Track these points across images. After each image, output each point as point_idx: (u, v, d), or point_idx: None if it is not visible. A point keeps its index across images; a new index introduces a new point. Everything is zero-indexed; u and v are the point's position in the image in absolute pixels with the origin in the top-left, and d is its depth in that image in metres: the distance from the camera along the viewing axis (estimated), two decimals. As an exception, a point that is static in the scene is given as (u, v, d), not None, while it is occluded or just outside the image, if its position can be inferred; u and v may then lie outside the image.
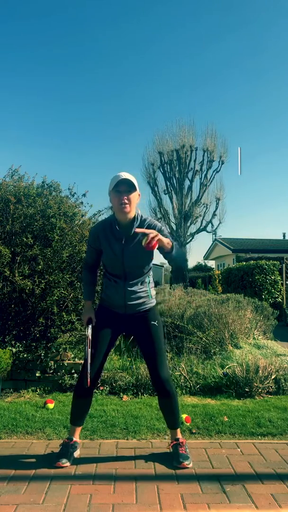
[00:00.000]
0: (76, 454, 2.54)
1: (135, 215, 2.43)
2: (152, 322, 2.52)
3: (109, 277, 2.53)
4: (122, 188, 2.34)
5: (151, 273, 2.59)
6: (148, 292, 2.54)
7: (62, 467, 2.42)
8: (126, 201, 2.34)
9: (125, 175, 2.36)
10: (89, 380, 2.43)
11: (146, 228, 2.40)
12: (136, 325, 2.54)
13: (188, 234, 20.92)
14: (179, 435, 2.62)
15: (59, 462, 2.43)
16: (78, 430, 2.62)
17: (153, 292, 2.59)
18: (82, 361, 4.09)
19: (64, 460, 2.44)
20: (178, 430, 2.63)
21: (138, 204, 2.46)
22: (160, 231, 2.41)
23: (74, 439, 2.57)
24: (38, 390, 3.87)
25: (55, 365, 4.01)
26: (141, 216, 2.47)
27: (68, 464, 2.44)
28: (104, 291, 2.60)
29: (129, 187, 2.35)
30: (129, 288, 2.47)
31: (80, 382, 2.55)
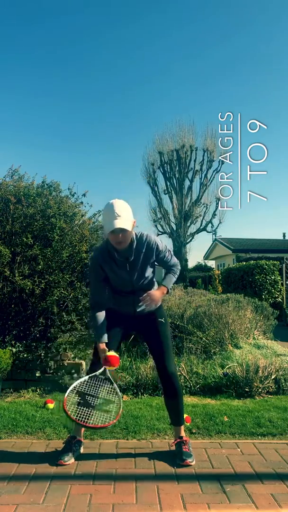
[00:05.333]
0: (80, 451, 2.57)
1: (131, 238, 2.42)
2: (159, 319, 2.59)
3: (117, 291, 2.57)
4: (116, 230, 2.31)
5: (155, 280, 2.65)
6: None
7: (63, 465, 2.42)
8: (121, 239, 2.34)
9: (117, 220, 2.27)
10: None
11: (145, 250, 2.45)
12: (144, 323, 2.61)
13: (188, 234, 20.93)
14: (183, 433, 2.64)
15: (61, 460, 2.44)
16: (82, 428, 2.63)
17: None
18: (82, 361, 4.09)
19: (66, 458, 2.45)
20: (182, 427, 2.65)
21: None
22: (157, 250, 2.49)
23: (78, 437, 2.59)
24: (38, 390, 3.87)
25: (55, 365, 4.01)
26: (137, 237, 2.45)
27: (71, 461, 2.46)
28: (110, 298, 2.60)
29: (122, 230, 2.31)
30: (137, 299, 2.53)
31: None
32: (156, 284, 2.68)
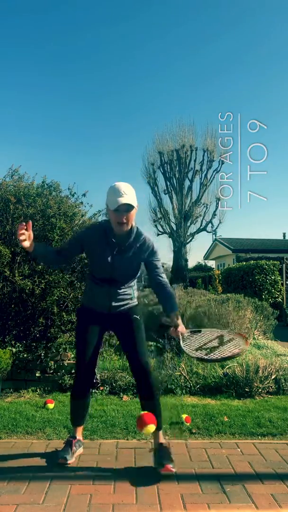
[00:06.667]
0: (80, 451, 2.57)
1: (131, 226, 2.38)
2: (134, 316, 2.50)
3: (94, 280, 2.50)
4: (122, 208, 2.26)
5: (135, 282, 2.57)
6: (132, 295, 2.53)
7: (64, 465, 2.42)
8: (124, 220, 2.29)
9: (124, 195, 2.25)
10: None
11: (139, 245, 2.40)
12: (119, 321, 2.51)
13: (188, 234, 20.91)
14: (162, 439, 2.47)
15: (61, 459, 2.44)
16: (80, 429, 2.64)
17: (136, 293, 2.58)
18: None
19: (67, 457, 2.45)
20: (161, 433, 2.47)
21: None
22: (152, 253, 2.44)
23: (78, 437, 2.59)
24: (38, 390, 3.87)
25: (55, 365, 4.01)
26: (137, 229, 2.42)
27: (71, 461, 2.46)
28: (87, 292, 2.59)
29: (128, 206, 2.28)
30: (114, 291, 2.45)
31: (75, 384, 2.56)
32: (135, 282, 2.56)
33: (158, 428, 2.42)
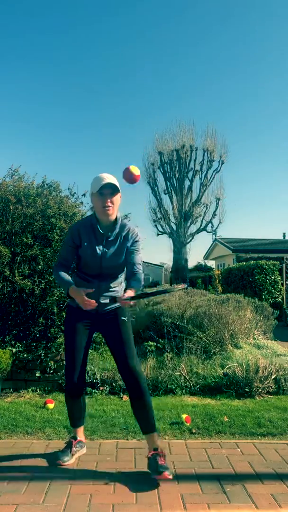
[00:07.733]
0: (81, 452, 2.57)
1: (116, 217, 2.45)
2: (122, 318, 2.48)
3: (82, 276, 2.49)
4: (106, 191, 2.35)
5: (123, 273, 2.55)
6: (120, 291, 2.50)
7: (63, 466, 2.42)
8: (109, 204, 2.36)
9: (108, 178, 2.36)
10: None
11: (124, 235, 2.46)
12: (107, 323, 2.49)
13: (188, 234, 20.92)
14: (158, 443, 2.36)
15: (61, 460, 2.44)
16: (81, 429, 2.64)
17: (122, 290, 2.52)
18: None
19: (66, 458, 2.45)
20: (155, 435, 2.39)
21: (120, 205, 2.46)
22: (134, 241, 2.48)
23: (79, 438, 2.59)
24: (38, 390, 3.88)
25: (55, 365, 4.01)
26: (122, 220, 2.49)
27: (70, 462, 2.46)
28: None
29: (112, 189, 2.36)
30: (102, 287, 2.45)
31: (68, 384, 2.54)
32: (123, 278, 2.56)
33: (153, 430, 2.39)
